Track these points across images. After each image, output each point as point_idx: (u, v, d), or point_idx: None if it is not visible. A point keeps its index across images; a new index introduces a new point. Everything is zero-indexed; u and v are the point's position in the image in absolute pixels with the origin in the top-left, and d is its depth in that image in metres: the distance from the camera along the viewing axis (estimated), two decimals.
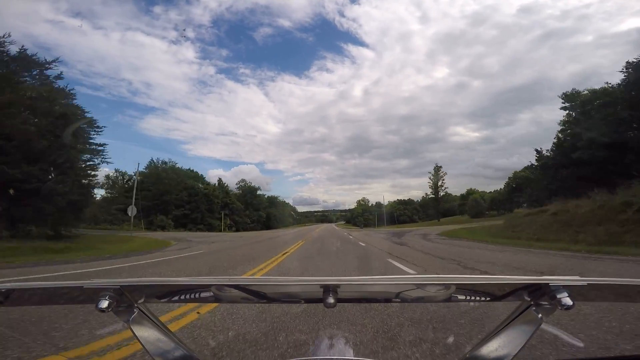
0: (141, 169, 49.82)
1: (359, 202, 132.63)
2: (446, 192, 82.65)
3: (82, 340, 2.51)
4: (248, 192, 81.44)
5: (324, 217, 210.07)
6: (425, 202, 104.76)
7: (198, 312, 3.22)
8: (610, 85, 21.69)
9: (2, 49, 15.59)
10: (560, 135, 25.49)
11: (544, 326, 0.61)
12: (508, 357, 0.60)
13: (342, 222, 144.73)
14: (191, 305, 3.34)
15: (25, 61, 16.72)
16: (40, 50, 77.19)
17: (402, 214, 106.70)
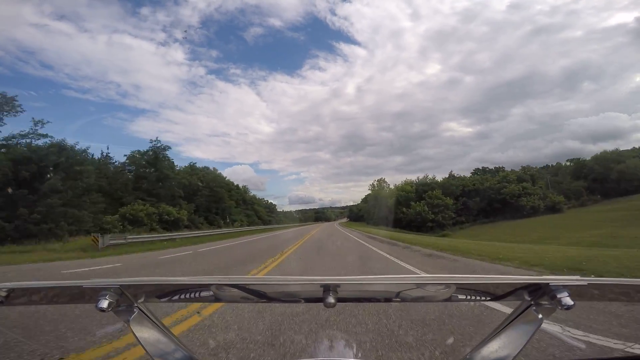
0: None
1: (372, 185, 78.45)
2: None
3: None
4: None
5: (319, 213, 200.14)
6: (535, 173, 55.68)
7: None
8: None
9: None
10: None
11: (544, 326, 0.61)
12: (509, 358, 0.60)
13: (345, 220, 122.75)
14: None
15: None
16: (24, 54, 74.88)
17: (518, 196, 49.07)
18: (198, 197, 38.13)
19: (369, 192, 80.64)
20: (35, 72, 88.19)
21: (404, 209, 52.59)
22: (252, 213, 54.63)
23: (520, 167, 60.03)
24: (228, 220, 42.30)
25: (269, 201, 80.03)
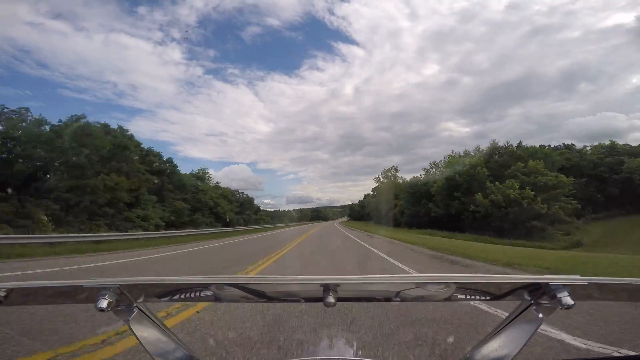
0: None
1: (381, 175, 60.21)
2: None
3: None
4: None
5: (316, 212, 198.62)
6: None
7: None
8: None
9: None
10: None
11: (544, 326, 0.61)
12: (508, 357, 0.60)
13: (345, 219, 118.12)
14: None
15: None
16: (20, 53, 71.67)
17: None
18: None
19: (376, 184, 63.15)
20: (31, 71, 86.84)
21: (472, 197, 29.30)
22: (189, 206, 31.48)
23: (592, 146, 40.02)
24: (110, 222, 21.15)
25: (246, 194, 57.60)
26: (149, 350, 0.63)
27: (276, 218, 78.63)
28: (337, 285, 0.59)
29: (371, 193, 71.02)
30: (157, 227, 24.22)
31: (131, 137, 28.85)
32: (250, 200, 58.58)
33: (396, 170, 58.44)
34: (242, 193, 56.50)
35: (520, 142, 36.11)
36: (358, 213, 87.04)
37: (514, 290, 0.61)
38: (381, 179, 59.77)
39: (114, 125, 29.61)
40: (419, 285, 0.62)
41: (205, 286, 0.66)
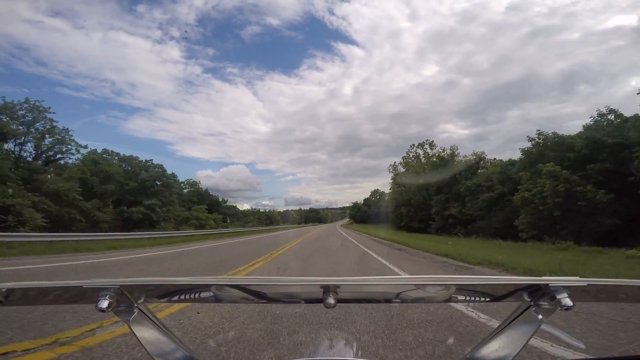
0: None
1: (405, 158, 42.18)
2: None
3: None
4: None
5: (312, 212, 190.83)
6: None
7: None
8: None
9: None
10: None
11: (543, 327, 0.62)
12: (508, 358, 0.60)
13: (347, 221, 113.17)
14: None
15: None
16: (18, 51, 70.56)
17: None
18: None
19: (391, 174, 45.86)
20: (29, 69, 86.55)
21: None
22: None
23: None
24: None
25: (164, 169, 30.88)
26: (149, 351, 0.63)
27: (245, 218, 54.13)
28: (337, 286, 0.59)
29: (388, 187, 50.95)
30: None
31: None
32: (167, 181, 30.63)
33: (431, 145, 39.06)
34: (161, 167, 30.68)
35: None
36: (364, 214, 74.38)
37: (513, 292, 0.61)
38: (400, 168, 42.16)
39: None
40: (418, 286, 0.62)
41: (206, 287, 0.65)
